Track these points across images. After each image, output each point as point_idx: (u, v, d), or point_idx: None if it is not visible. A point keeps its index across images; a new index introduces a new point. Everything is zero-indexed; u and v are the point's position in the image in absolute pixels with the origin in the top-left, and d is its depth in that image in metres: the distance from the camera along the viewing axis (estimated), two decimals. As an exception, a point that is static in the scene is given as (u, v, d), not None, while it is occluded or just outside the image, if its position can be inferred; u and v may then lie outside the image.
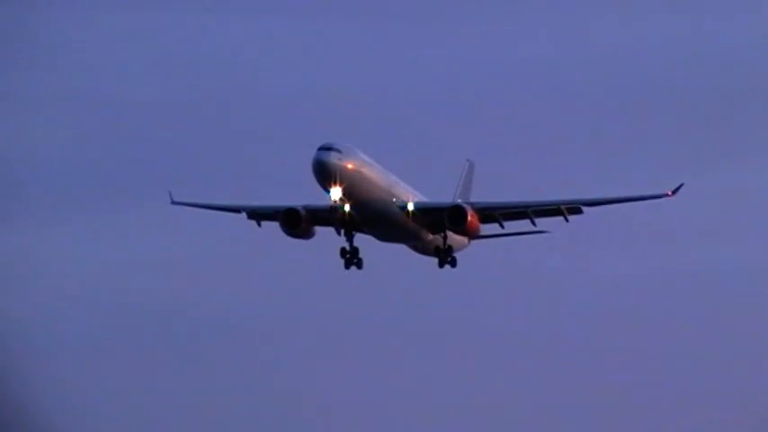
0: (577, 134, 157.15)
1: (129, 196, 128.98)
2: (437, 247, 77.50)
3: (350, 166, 71.42)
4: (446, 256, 77.72)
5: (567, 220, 74.63)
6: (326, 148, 70.93)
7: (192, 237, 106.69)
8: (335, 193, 70.52)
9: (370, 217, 74.36)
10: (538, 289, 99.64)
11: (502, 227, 77.38)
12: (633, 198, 73.94)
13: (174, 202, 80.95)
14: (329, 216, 74.31)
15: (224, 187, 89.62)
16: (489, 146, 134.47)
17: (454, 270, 78.44)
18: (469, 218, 73.13)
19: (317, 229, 76.79)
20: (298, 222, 74.15)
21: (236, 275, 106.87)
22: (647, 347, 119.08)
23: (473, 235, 77.23)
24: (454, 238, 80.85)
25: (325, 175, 70.30)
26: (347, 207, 72.44)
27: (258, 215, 77.92)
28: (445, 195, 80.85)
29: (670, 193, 72.15)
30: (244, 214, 78.78)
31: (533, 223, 76.07)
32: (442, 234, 76.39)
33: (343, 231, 76.51)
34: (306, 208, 74.54)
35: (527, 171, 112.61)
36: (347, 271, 78.82)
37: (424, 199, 75.59)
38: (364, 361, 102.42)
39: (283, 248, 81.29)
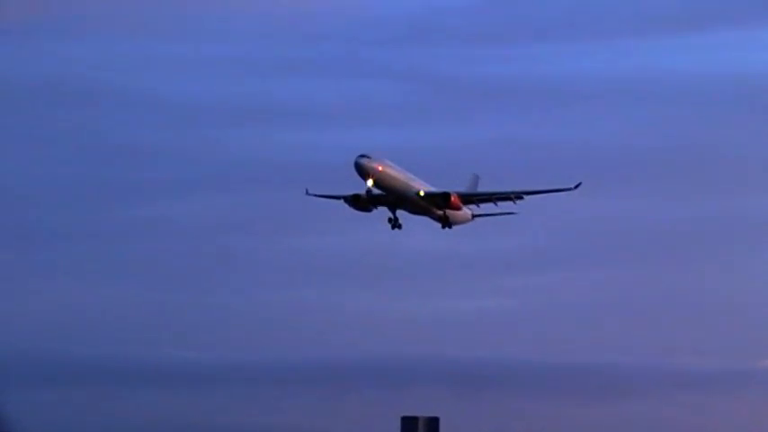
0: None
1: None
2: (440, 218, 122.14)
3: (376, 166, 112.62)
4: (445, 223, 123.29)
5: (515, 203, 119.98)
6: (361, 156, 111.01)
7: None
8: (369, 182, 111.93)
9: (399, 198, 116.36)
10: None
11: (478, 206, 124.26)
12: (550, 190, 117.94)
13: (308, 194, 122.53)
14: (374, 198, 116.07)
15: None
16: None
17: (449, 230, 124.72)
18: (452, 199, 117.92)
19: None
20: (359, 202, 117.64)
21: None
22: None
23: (456, 209, 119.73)
24: (457, 215, 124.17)
25: (359, 171, 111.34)
26: (377, 191, 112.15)
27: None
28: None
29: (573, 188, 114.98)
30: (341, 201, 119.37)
31: (495, 205, 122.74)
32: (444, 211, 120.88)
33: (388, 209, 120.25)
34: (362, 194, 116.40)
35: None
36: (392, 231, 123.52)
37: (432, 189, 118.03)
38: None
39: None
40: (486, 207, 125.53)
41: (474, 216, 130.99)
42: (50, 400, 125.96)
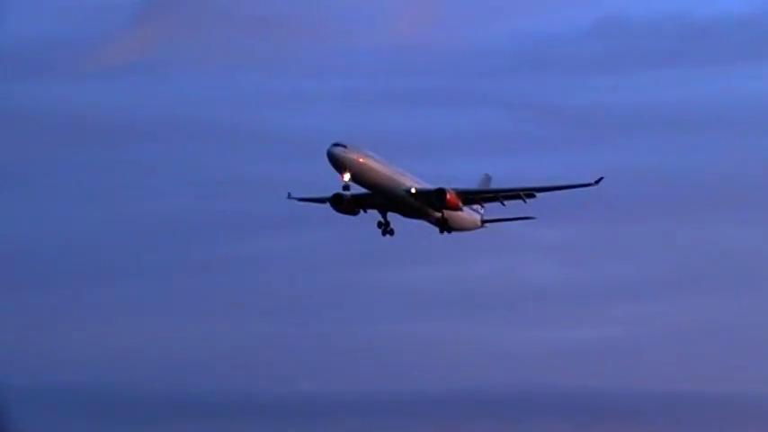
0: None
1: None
2: (438, 221, 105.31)
3: (352, 156, 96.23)
4: (444, 227, 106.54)
5: (524, 202, 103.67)
6: (335, 144, 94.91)
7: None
8: (345, 176, 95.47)
9: (387, 198, 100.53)
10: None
11: (482, 206, 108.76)
12: (567, 186, 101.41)
13: (290, 197, 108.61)
14: (360, 198, 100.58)
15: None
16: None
17: (448, 235, 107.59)
18: (448, 197, 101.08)
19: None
20: (342, 203, 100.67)
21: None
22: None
23: (455, 209, 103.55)
24: (462, 220, 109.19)
25: (333, 162, 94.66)
26: (363, 189, 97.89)
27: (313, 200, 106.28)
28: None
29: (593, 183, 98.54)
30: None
31: (503, 204, 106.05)
32: (441, 212, 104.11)
33: (378, 211, 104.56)
34: (346, 194, 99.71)
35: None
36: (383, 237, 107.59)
37: (425, 186, 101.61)
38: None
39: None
40: (499, 211, 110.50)
41: (484, 222, 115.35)
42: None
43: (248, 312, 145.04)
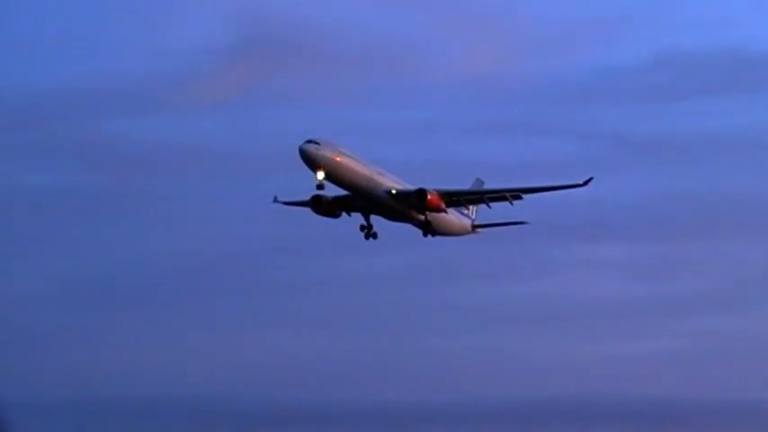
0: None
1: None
2: (422, 224, 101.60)
3: (325, 154, 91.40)
4: (428, 230, 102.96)
5: (511, 204, 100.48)
6: (307, 141, 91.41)
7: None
8: (319, 174, 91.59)
9: (365, 199, 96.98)
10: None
11: (467, 208, 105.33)
12: (555, 187, 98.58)
13: (275, 201, 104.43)
14: (340, 200, 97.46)
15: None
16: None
17: (431, 239, 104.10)
18: (429, 197, 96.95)
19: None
20: (320, 205, 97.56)
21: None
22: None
23: (437, 210, 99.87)
24: (449, 223, 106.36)
25: (305, 160, 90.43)
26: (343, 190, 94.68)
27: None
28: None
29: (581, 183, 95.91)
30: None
31: (488, 206, 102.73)
32: (424, 215, 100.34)
33: (361, 214, 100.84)
34: (325, 196, 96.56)
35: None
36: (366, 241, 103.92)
37: (404, 186, 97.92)
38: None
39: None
40: (490, 217, 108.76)
41: (475, 227, 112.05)
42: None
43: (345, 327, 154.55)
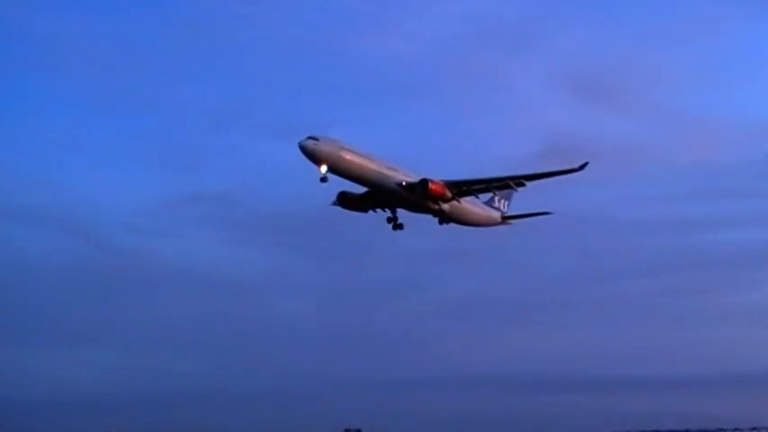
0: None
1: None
2: (438, 213, 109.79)
3: (324, 148, 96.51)
4: (442, 219, 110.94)
5: (516, 191, 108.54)
6: (307, 138, 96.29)
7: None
8: (322, 168, 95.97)
9: (381, 192, 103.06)
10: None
11: (477, 197, 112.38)
12: (554, 173, 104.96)
13: (334, 204, 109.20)
14: (365, 196, 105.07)
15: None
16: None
17: (446, 225, 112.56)
18: (431, 186, 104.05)
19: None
20: (346, 200, 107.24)
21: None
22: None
23: (442, 199, 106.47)
24: (478, 215, 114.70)
25: (306, 155, 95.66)
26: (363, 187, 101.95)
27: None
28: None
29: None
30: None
31: (494, 194, 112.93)
32: (439, 204, 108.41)
33: (388, 208, 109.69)
34: (350, 192, 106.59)
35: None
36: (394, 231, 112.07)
37: (411, 178, 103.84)
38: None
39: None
40: (518, 208, 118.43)
41: (505, 218, 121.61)
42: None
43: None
